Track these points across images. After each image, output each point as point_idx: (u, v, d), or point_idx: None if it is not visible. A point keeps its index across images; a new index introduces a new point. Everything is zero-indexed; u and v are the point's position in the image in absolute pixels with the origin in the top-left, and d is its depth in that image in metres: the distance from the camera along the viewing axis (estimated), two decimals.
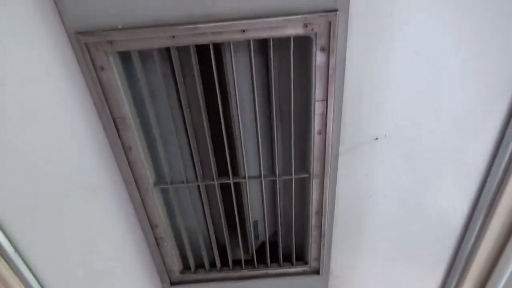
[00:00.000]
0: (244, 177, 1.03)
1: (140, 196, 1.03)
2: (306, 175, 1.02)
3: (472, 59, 0.90)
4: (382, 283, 1.38)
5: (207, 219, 1.12)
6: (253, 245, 1.20)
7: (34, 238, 1.16)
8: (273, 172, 1.07)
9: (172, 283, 1.24)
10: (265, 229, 1.13)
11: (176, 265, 1.21)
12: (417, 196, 1.14)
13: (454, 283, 1.33)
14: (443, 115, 0.99)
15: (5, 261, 1.14)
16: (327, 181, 1.01)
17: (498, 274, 1.25)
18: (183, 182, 1.04)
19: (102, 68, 0.83)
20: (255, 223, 1.19)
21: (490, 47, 0.89)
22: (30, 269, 1.22)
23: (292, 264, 1.22)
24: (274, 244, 1.22)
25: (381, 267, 1.32)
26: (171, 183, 1.04)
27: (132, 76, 0.90)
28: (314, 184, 1.03)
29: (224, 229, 1.13)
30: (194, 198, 1.12)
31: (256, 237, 1.22)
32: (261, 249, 1.24)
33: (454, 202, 1.16)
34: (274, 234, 1.23)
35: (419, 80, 0.93)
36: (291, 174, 1.02)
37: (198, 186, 1.07)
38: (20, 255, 1.18)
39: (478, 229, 1.19)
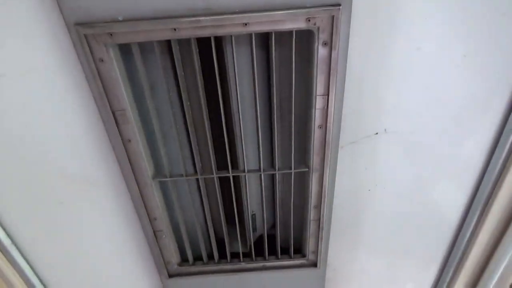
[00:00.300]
0: (244, 171, 1.03)
1: (139, 189, 1.03)
2: (305, 169, 1.03)
3: (473, 55, 0.90)
4: (378, 276, 1.39)
5: (205, 212, 1.12)
6: (251, 238, 1.21)
7: (31, 230, 1.15)
8: (272, 166, 1.07)
9: (170, 275, 1.24)
10: (263, 222, 1.14)
11: (174, 257, 1.21)
12: (415, 190, 1.14)
13: (449, 277, 1.34)
14: (443, 110, 0.99)
15: (2, 253, 1.14)
16: (326, 175, 1.01)
17: (492, 269, 1.26)
18: (182, 175, 1.03)
19: (102, 60, 0.82)
20: (253, 216, 1.19)
21: (491, 42, 0.89)
22: (27, 260, 1.22)
23: (290, 257, 1.23)
24: (272, 237, 1.22)
25: (377, 260, 1.33)
26: (170, 176, 1.03)
27: (132, 68, 0.89)
28: (314, 178, 1.03)
29: (223, 222, 1.13)
30: (193, 191, 1.12)
31: (254, 230, 1.22)
32: (259, 242, 1.25)
33: (451, 197, 1.17)
34: (272, 227, 1.23)
35: (420, 75, 0.93)
36: (290, 168, 1.02)
37: (197, 179, 1.07)
38: (17, 246, 1.17)
39: (474, 224, 1.20)
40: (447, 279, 1.35)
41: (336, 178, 1.04)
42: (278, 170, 1.04)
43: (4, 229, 1.13)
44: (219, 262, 1.24)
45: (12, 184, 1.04)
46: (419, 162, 1.08)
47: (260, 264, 1.24)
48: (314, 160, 0.99)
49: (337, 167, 1.02)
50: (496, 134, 1.03)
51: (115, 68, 0.83)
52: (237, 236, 1.18)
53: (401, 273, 1.38)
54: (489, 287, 1.30)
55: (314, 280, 1.28)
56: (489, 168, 1.09)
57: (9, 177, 1.03)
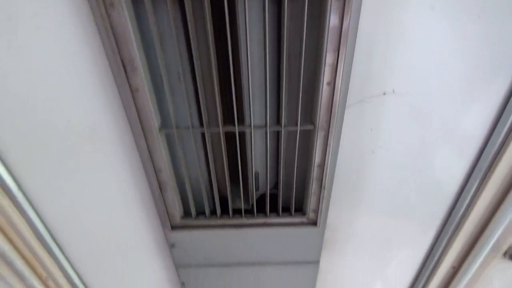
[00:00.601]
0: (250, 126, 1.03)
1: (146, 139, 1.04)
2: (311, 127, 1.03)
3: (485, 18, 0.88)
4: (376, 238, 1.42)
5: (210, 167, 1.13)
6: (253, 195, 1.23)
7: (38, 177, 1.17)
8: (278, 122, 1.07)
9: (173, 228, 1.27)
10: (266, 180, 1.15)
11: (177, 210, 1.23)
12: (418, 154, 1.15)
13: (445, 240, 1.37)
14: (451, 75, 0.98)
15: (9, 198, 1.16)
16: (332, 134, 1.02)
17: (487, 236, 1.29)
18: (188, 127, 1.04)
19: (112, 5, 0.81)
20: (257, 174, 1.20)
21: (505, 7, 0.87)
22: (33, 206, 1.24)
23: (291, 215, 1.25)
24: (274, 197, 1.24)
25: (376, 222, 1.35)
26: (177, 128, 1.04)
27: (142, 18, 0.88)
28: (319, 137, 1.03)
29: (227, 178, 1.15)
30: (199, 147, 1.13)
31: (257, 189, 1.24)
32: (261, 200, 1.27)
33: (453, 162, 1.18)
34: (275, 187, 1.25)
35: (432, 37, 0.91)
36: (296, 125, 1.03)
37: (203, 134, 1.07)
38: (23, 193, 1.20)
39: (473, 191, 1.21)
40: (444, 243, 1.38)
41: (341, 137, 1.05)
42: (284, 126, 1.04)
43: (12, 175, 1.14)
44: (221, 217, 1.26)
45: (20, 133, 1.05)
46: (424, 126, 1.08)
47: (261, 221, 1.26)
48: (321, 117, 1.00)
49: (343, 126, 1.03)
50: (503, 101, 1.03)
51: (125, 14, 0.82)
52: (240, 193, 1.20)
53: (399, 236, 1.41)
54: (484, 253, 1.33)
55: (313, 238, 1.31)
56: (493, 135, 1.09)
57: (16, 126, 1.04)
